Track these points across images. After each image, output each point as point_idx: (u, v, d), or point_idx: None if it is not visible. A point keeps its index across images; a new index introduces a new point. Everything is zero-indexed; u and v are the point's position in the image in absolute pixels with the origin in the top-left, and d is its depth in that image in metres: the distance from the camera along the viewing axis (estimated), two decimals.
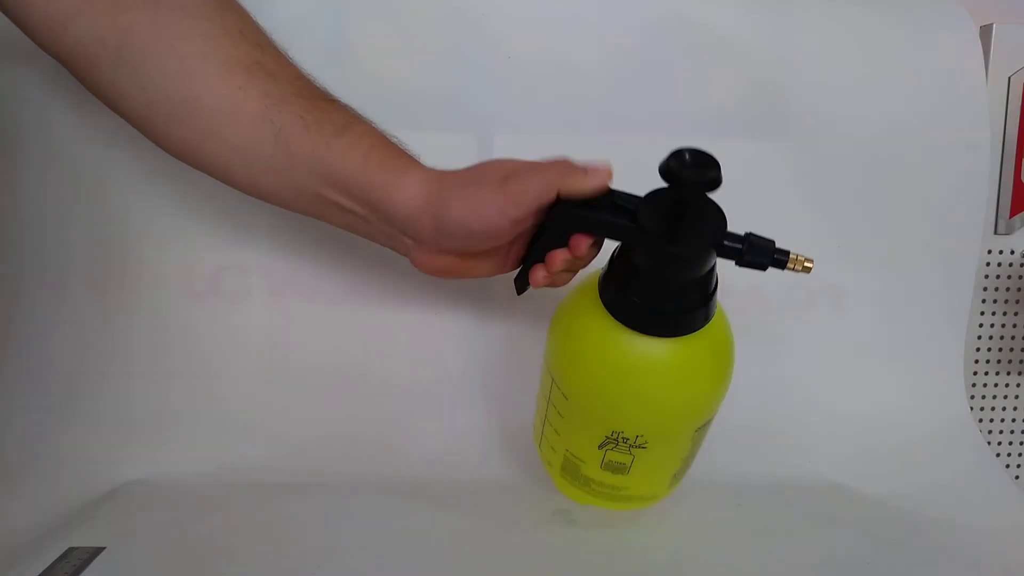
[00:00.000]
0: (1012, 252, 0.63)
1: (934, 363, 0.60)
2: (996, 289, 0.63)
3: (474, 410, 0.56)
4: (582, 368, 0.40)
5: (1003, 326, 0.64)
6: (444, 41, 0.55)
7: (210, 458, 0.52)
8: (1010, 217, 0.62)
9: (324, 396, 0.55)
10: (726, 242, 0.37)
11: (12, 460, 0.52)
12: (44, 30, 0.40)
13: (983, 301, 0.63)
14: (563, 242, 0.40)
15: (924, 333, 0.60)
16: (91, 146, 0.53)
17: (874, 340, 0.59)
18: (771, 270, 0.38)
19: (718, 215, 0.37)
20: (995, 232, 0.62)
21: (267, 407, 0.55)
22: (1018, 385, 0.65)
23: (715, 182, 0.33)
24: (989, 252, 0.63)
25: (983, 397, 0.64)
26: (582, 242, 0.39)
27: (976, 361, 0.64)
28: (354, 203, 0.40)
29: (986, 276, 0.63)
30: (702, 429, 0.42)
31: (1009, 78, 0.61)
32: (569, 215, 0.38)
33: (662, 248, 0.36)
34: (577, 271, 0.43)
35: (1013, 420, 0.65)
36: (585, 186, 0.37)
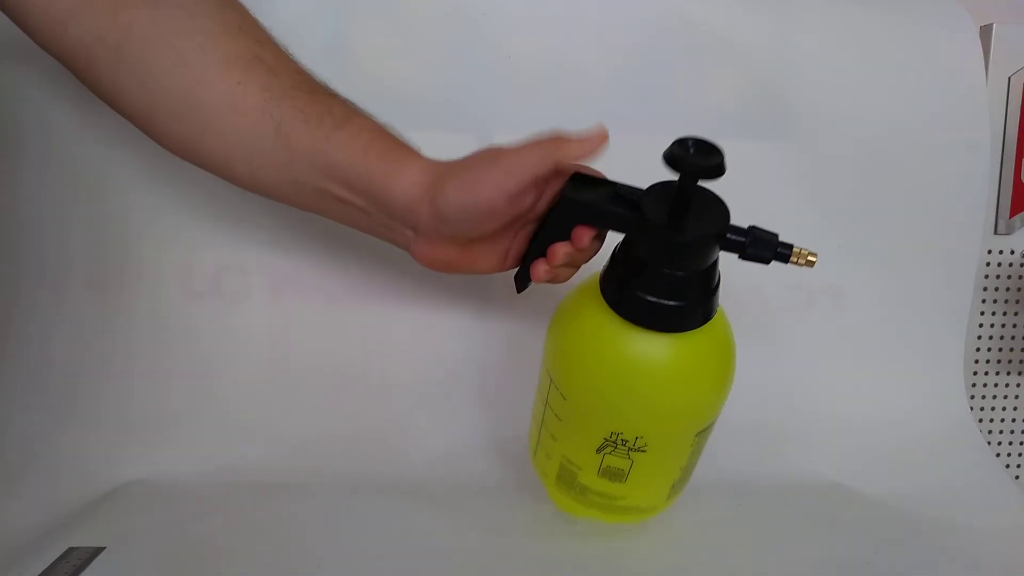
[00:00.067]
0: (1012, 252, 0.63)
1: (934, 363, 0.60)
2: (996, 289, 0.63)
3: (474, 410, 0.56)
4: (582, 365, 0.40)
5: (1003, 326, 0.64)
6: (444, 41, 0.55)
7: (210, 458, 0.52)
8: (1010, 217, 0.62)
9: (324, 396, 0.55)
10: (730, 234, 0.37)
11: (12, 460, 0.52)
12: (44, 29, 0.40)
13: (983, 301, 0.63)
14: (565, 235, 0.39)
15: (924, 333, 0.60)
16: (91, 146, 0.53)
17: (874, 340, 0.59)
18: (775, 265, 0.38)
19: (721, 207, 0.37)
20: (995, 232, 0.62)
21: (267, 407, 0.54)
22: (1018, 385, 0.65)
23: (719, 168, 0.33)
24: (989, 252, 0.62)
25: (983, 397, 0.64)
26: (584, 234, 0.39)
27: (976, 361, 0.64)
28: (354, 195, 0.40)
29: (986, 276, 0.63)
30: (702, 435, 0.42)
31: (1009, 78, 0.61)
32: (571, 206, 0.38)
33: (666, 237, 0.36)
34: (579, 266, 0.42)
35: (1013, 420, 0.65)
36: (581, 151, 0.37)
